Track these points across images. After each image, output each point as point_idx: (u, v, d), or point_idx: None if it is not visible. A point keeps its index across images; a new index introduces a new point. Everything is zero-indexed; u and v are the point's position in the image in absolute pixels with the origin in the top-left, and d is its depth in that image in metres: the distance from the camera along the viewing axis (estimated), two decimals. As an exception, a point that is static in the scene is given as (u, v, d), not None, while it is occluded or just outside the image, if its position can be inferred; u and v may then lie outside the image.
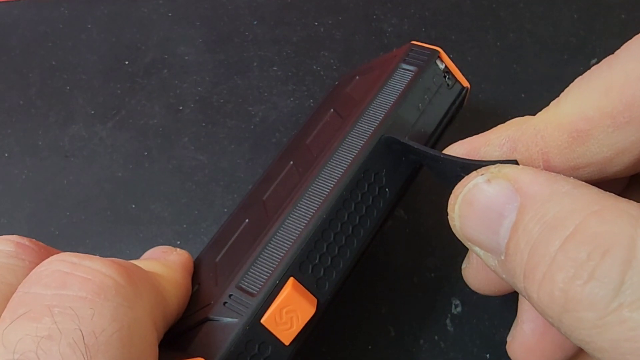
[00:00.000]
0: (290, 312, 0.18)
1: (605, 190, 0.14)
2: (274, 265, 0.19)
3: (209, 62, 0.35)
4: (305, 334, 0.18)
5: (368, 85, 0.24)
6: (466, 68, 0.26)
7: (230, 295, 0.19)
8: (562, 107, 0.16)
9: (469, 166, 0.17)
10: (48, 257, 0.16)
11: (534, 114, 0.18)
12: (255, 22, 0.36)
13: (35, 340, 0.13)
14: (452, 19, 0.36)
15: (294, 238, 0.19)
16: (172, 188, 0.30)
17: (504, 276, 0.15)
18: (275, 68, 0.34)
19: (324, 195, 0.20)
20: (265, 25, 0.36)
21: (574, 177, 0.15)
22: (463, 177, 0.17)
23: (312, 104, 0.33)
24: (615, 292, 0.12)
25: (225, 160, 0.31)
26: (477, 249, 0.16)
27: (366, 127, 0.21)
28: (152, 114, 0.33)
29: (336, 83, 0.31)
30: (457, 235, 0.17)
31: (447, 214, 0.17)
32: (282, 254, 0.19)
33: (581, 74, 0.16)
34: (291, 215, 0.20)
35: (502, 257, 0.15)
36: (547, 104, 0.17)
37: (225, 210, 0.29)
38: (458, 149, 0.19)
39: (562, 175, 0.15)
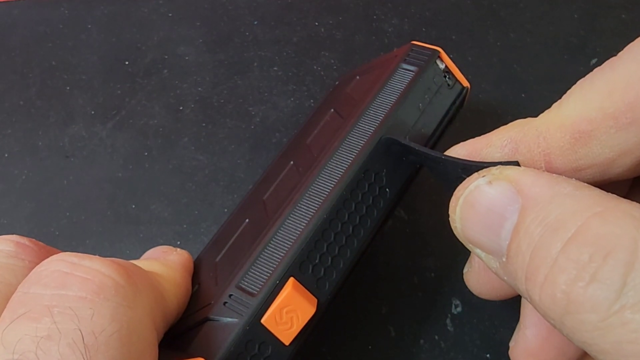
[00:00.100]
0: (290, 312, 0.18)
1: (609, 192, 0.14)
2: (274, 265, 0.19)
3: (209, 62, 0.35)
4: (305, 334, 0.18)
5: (368, 85, 0.24)
6: (466, 68, 0.26)
7: (230, 295, 0.19)
8: (564, 108, 0.16)
9: (470, 167, 0.17)
10: (48, 257, 0.16)
11: (534, 114, 0.18)
12: (255, 22, 0.36)
13: (34, 340, 0.13)
14: (452, 19, 0.36)
15: (294, 238, 0.19)
16: (172, 188, 0.30)
17: (505, 278, 0.15)
18: (275, 68, 0.34)
19: (324, 195, 0.20)
20: (265, 25, 0.36)
21: (576, 179, 0.15)
22: (464, 179, 0.17)
23: (312, 104, 0.33)
24: (617, 294, 0.12)
25: (225, 160, 0.31)
26: (478, 251, 0.16)
27: (366, 127, 0.21)
28: (152, 114, 0.33)
29: (336, 83, 0.31)
30: (459, 237, 0.17)
31: (448, 215, 0.17)
32: (282, 254, 0.19)
33: (581, 73, 0.16)
34: (291, 215, 0.20)
35: (504, 259, 0.15)
36: (548, 104, 0.17)
37: (225, 210, 0.29)
38: (460, 151, 0.19)
39: (564, 177, 0.15)
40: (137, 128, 0.32)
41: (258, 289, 0.18)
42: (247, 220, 0.23)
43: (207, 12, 0.37)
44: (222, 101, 0.33)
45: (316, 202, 0.20)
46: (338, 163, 0.20)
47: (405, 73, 0.22)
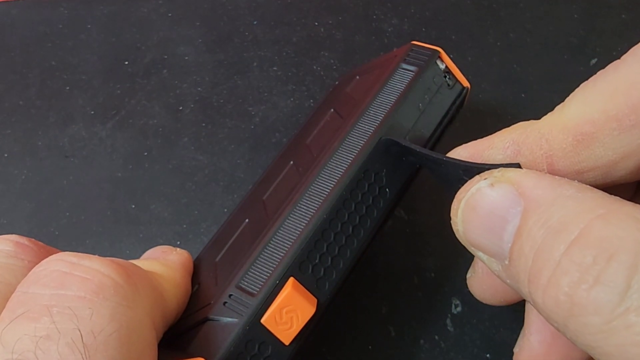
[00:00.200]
0: (290, 312, 0.18)
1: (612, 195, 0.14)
2: (274, 265, 0.19)
3: (208, 62, 0.35)
4: (305, 334, 0.18)
5: (368, 85, 0.24)
6: (466, 68, 0.26)
7: (230, 295, 0.19)
8: (567, 110, 0.16)
9: (471, 169, 0.17)
10: (47, 256, 0.16)
11: (534, 114, 0.18)
12: (255, 22, 0.36)
13: (33, 340, 0.13)
14: (452, 19, 0.36)
15: (294, 238, 0.19)
16: (172, 188, 0.30)
17: (508, 281, 0.15)
18: (275, 68, 0.34)
19: (324, 195, 0.20)
20: (265, 25, 0.36)
21: (578, 181, 0.15)
22: (465, 180, 0.17)
23: (312, 104, 0.33)
24: (621, 297, 0.12)
25: (225, 160, 0.31)
26: (480, 253, 0.16)
27: (366, 127, 0.21)
28: (152, 114, 0.33)
29: (336, 83, 0.31)
30: (461, 240, 0.17)
31: (448, 215, 0.17)
32: (282, 254, 0.19)
33: (581, 73, 0.16)
34: (291, 215, 0.20)
35: (506, 262, 0.15)
36: (548, 104, 0.17)
37: (225, 210, 0.29)
38: (461, 152, 0.19)
39: (566, 179, 0.15)
40: (137, 128, 0.32)
41: (258, 289, 0.18)
42: (247, 220, 0.23)
43: (207, 12, 0.37)
44: (221, 101, 0.33)
45: (316, 202, 0.20)
46: (338, 163, 0.20)
47: (405, 73, 0.22)
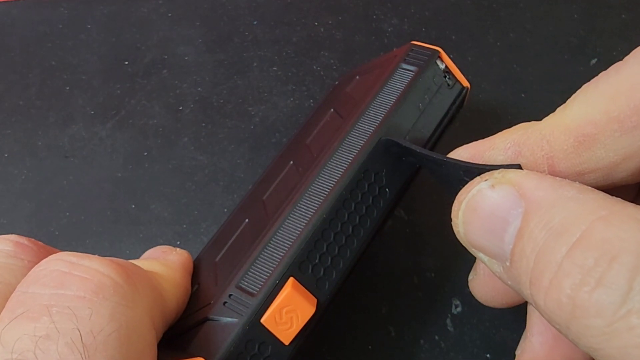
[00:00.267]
0: (290, 312, 0.18)
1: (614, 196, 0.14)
2: (274, 265, 0.19)
3: (209, 62, 0.35)
4: (305, 334, 0.18)
5: (368, 85, 0.24)
6: (466, 68, 0.26)
7: (230, 295, 0.19)
8: (568, 111, 0.16)
9: (472, 170, 0.17)
10: (47, 256, 0.16)
11: (534, 114, 0.18)
12: (255, 22, 0.36)
13: (33, 339, 0.13)
14: (452, 19, 0.36)
15: (294, 238, 0.19)
16: (172, 188, 0.30)
17: (509, 283, 0.15)
18: (275, 68, 0.34)
19: (324, 195, 0.20)
20: (265, 25, 0.36)
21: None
22: (465, 181, 0.17)
23: (312, 104, 0.33)
24: (623, 299, 0.12)
25: (225, 160, 0.31)
26: (481, 255, 0.16)
27: (366, 127, 0.21)
28: (152, 114, 0.33)
29: (336, 83, 0.31)
30: (462, 242, 0.17)
31: (448, 215, 0.17)
32: (282, 254, 0.19)
33: (581, 73, 0.16)
34: (291, 215, 0.20)
35: (508, 264, 0.15)
36: (547, 104, 0.17)
37: (225, 210, 0.29)
38: (463, 153, 0.19)
39: (567, 180, 0.15)
40: (137, 128, 0.32)
41: (258, 289, 0.18)
42: (246, 220, 0.23)
43: (207, 12, 0.37)
44: (221, 101, 0.33)
45: (316, 202, 0.20)
46: (338, 163, 0.20)
47: (405, 73, 0.22)
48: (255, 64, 0.34)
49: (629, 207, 0.13)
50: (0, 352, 0.13)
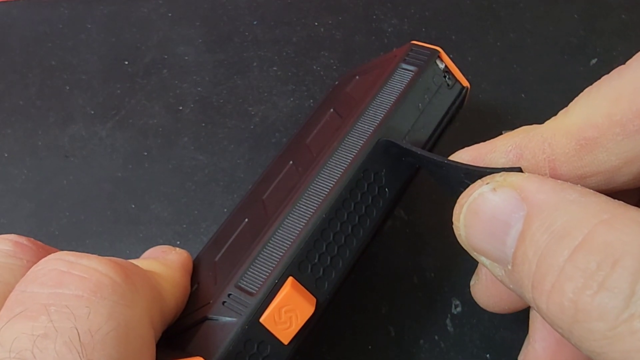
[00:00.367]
0: (289, 312, 0.18)
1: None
2: (273, 265, 0.19)
3: (209, 62, 0.35)
4: (304, 334, 0.18)
5: (368, 85, 0.24)
6: (466, 68, 0.26)
7: (229, 295, 0.19)
8: (570, 114, 0.16)
9: (472, 173, 0.17)
10: (46, 256, 0.16)
11: (534, 114, 0.18)
12: (255, 22, 0.36)
13: (31, 338, 0.13)
14: (452, 19, 0.36)
15: (294, 237, 0.19)
16: (172, 188, 0.30)
17: (511, 286, 0.15)
18: (275, 68, 0.34)
19: (324, 195, 0.20)
20: (265, 25, 0.36)
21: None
22: (466, 183, 0.17)
23: (312, 104, 0.33)
24: (626, 303, 0.12)
25: (225, 160, 0.31)
26: (483, 258, 0.16)
27: (366, 127, 0.21)
28: (152, 114, 0.33)
29: (336, 83, 0.31)
30: (463, 245, 0.17)
31: (448, 217, 0.17)
32: (281, 254, 0.19)
33: (581, 73, 0.16)
34: (290, 214, 0.20)
35: (509, 267, 0.15)
36: (548, 104, 0.17)
37: (225, 210, 0.29)
38: (464, 156, 0.19)
39: (569, 183, 0.15)
40: (136, 128, 0.32)
41: (257, 289, 0.18)
42: (246, 219, 0.23)
43: (207, 12, 0.37)
44: (221, 101, 0.33)
45: (315, 202, 0.20)
46: (337, 163, 0.20)
47: (405, 73, 0.22)
48: (255, 64, 0.34)
49: (631, 211, 0.13)
50: (-1, 351, 0.13)
